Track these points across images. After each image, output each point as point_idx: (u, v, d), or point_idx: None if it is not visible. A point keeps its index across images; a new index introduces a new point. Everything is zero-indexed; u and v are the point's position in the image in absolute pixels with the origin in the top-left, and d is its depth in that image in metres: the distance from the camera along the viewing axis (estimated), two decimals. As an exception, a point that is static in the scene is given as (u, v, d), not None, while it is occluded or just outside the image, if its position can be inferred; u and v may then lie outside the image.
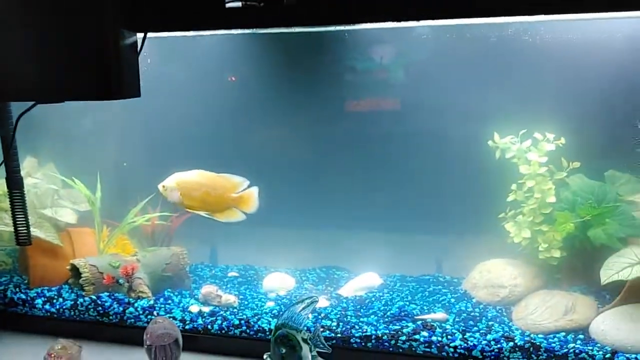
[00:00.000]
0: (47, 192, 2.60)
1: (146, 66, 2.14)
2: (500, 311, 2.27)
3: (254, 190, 2.39)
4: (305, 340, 1.93)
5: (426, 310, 2.28)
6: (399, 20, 1.84)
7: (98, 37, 1.89)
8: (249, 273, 2.75)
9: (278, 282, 2.57)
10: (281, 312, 2.02)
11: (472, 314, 2.25)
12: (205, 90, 2.67)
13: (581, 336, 2.07)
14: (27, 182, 2.40)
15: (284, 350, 1.94)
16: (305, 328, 1.97)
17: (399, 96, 2.59)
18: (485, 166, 2.39)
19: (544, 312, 2.16)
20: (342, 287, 2.52)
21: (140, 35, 2.02)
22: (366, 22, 1.89)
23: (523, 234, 2.31)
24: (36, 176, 2.63)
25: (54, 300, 2.45)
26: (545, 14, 1.74)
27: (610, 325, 2.06)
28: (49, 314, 2.45)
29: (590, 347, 2.00)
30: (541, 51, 2.26)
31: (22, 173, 2.26)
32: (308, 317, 2.19)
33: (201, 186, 2.37)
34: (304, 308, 1.97)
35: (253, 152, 2.66)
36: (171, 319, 2.27)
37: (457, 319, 2.22)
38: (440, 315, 2.23)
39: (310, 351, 1.94)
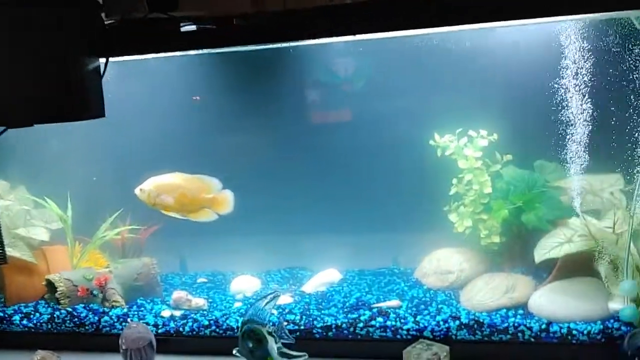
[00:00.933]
0: (20, 213, 2.73)
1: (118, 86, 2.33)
2: (449, 295, 2.48)
3: (229, 192, 2.56)
4: (270, 333, 2.10)
5: (382, 299, 2.47)
6: (336, 36, 2.05)
7: (63, 63, 2.05)
8: (217, 278, 2.91)
9: (245, 285, 2.73)
10: (247, 309, 2.18)
11: (423, 299, 2.45)
12: (171, 106, 2.84)
13: (521, 311, 2.28)
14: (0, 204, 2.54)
15: (251, 344, 2.10)
16: (271, 322, 2.14)
17: (350, 106, 2.81)
18: (429, 164, 2.61)
19: (487, 292, 2.37)
20: (305, 285, 2.70)
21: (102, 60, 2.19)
22: (307, 39, 2.10)
23: (465, 223, 2.52)
24: (8, 198, 2.75)
25: (31, 316, 2.57)
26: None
27: (546, 300, 2.27)
28: (27, 329, 2.56)
29: (529, 321, 2.21)
30: (470, 57, 2.49)
31: (-5, 196, 2.40)
32: (272, 312, 2.36)
33: (178, 187, 2.52)
34: (267, 303, 2.13)
35: (215, 162, 2.81)
36: (145, 324, 2.42)
37: (409, 305, 2.41)
38: (394, 302, 2.42)
39: (276, 342, 2.11)
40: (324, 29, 2.01)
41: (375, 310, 2.37)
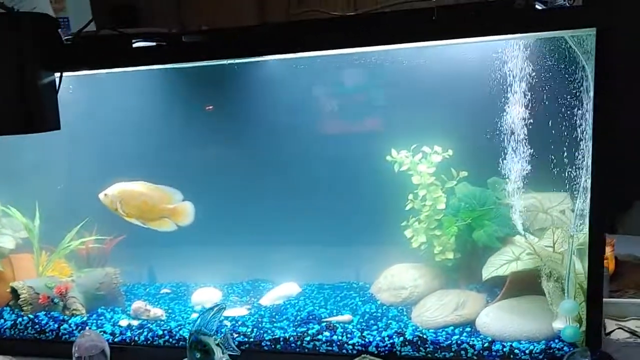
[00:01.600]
0: (-13, 222, 2.82)
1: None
2: (401, 311, 2.48)
3: (189, 204, 2.64)
4: (218, 345, 2.14)
5: (335, 314, 2.48)
6: (280, 53, 2.10)
7: (19, 78, 2.15)
8: (180, 289, 2.95)
9: (205, 296, 2.76)
10: (195, 320, 2.22)
11: (375, 314, 2.46)
12: (136, 119, 2.90)
13: (468, 329, 2.27)
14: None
15: (198, 355, 2.14)
16: (221, 334, 2.17)
17: (310, 121, 2.84)
18: (388, 179, 2.62)
19: (437, 309, 2.37)
20: (263, 297, 2.73)
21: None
22: (251, 56, 2.15)
23: (420, 239, 2.53)
24: (-23, 209, 2.83)
25: (-4, 322, 2.65)
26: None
27: (493, 317, 2.26)
28: (-10, 334, 2.64)
29: (473, 338, 2.20)
30: (426, 75, 2.51)
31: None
32: (223, 324, 2.40)
33: (140, 195, 2.62)
34: (213, 315, 2.18)
35: (178, 174, 2.85)
36: (102, 332, 2.47)
37: (360, 320, 2.42)
38: (346, 317, 2.43)
39: (223, 354, 2.14)
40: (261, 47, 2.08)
41: (323, 324, 2.38)
